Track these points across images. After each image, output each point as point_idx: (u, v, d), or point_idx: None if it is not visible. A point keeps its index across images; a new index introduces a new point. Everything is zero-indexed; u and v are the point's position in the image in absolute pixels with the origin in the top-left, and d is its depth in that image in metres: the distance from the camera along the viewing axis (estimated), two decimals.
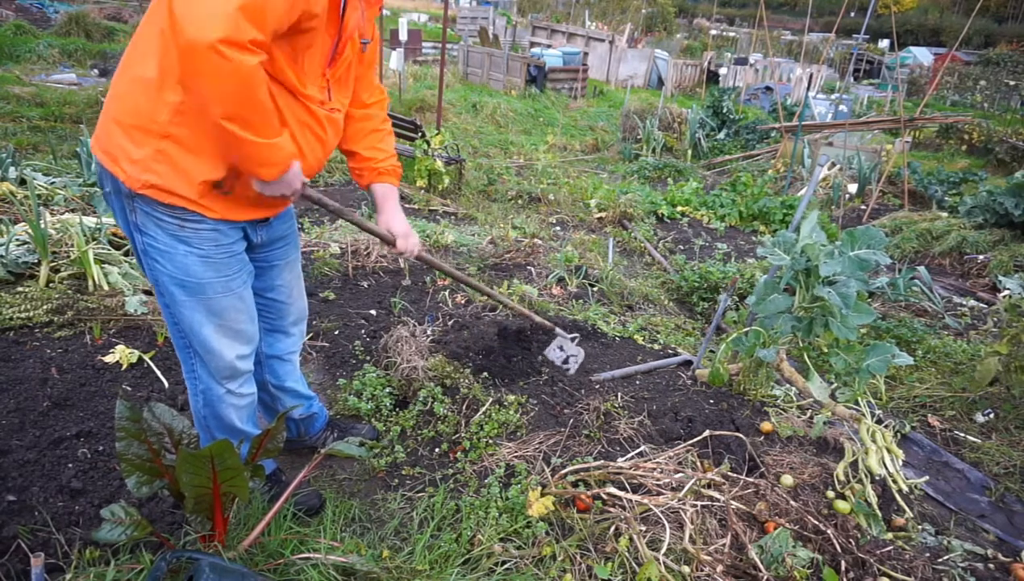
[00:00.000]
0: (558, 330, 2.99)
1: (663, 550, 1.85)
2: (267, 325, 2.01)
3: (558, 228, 6.17)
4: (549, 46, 19.15)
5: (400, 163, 2.00)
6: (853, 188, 8.32)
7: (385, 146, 1.94)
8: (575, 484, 2.18)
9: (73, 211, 3.80)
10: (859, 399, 2.45)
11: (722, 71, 19.01)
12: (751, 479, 2.23)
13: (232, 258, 1.68)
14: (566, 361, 2.95)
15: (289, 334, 2.08)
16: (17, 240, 3.24)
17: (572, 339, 2.99)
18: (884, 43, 31.40)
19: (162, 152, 1.47)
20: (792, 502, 2.11)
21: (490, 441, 2.42)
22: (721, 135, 11.78)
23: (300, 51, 1.51)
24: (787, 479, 2.28)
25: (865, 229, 2.40)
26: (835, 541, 1.96)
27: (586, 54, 17.20)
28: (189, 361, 1.80)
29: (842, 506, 2.17)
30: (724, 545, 1.93)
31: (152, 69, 1.43)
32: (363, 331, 3.30)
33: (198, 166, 1.50)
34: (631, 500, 2.05)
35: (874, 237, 2.37)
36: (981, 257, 5.67)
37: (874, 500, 2.22)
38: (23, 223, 3.37)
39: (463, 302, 3.72)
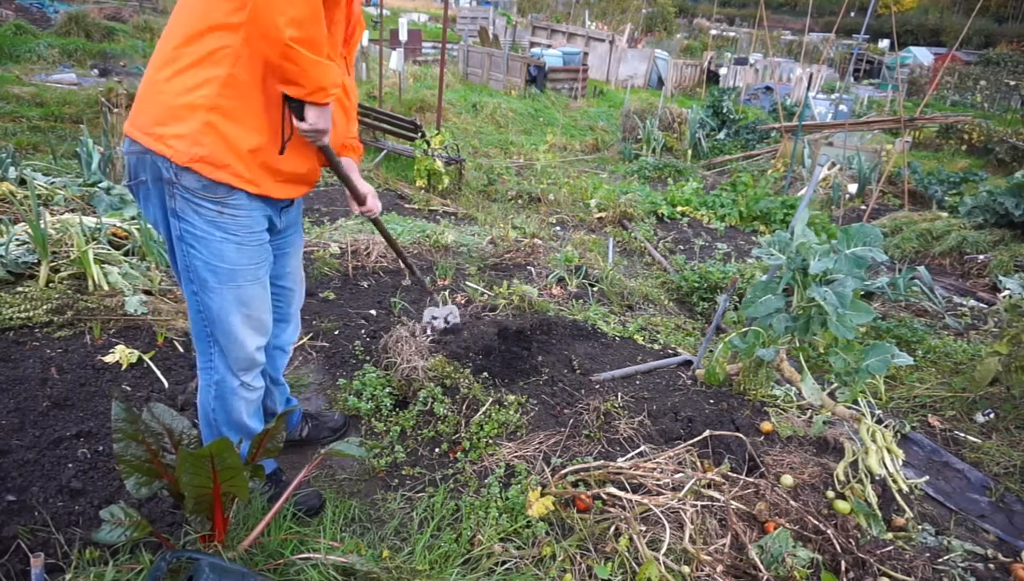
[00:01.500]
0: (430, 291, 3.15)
1: (663, 550, 1.84)
2: (276, 315, 2.04)
3: (558, 228, 6.17)
4: (549, 46, 19.15)
5: (361, 144, 2.11)
6: (853, 188, 8.32)
7: (351, 126, 2.04)
8: (575, 484, 2.17)
9: (73, 211, 3.79)
10: (859, 399, 2.44)
11: (722, 71, 19.00)
12: (751, 479, 2.23)
13: (261, 246, 1.75)
14: (447, 321, 3.02)
15: (290, 322, 2.15)
16: (17, 240, 3.24)
17: (432, 300, 3.09)
18: (884, 43, 31.43)
19: (210, 124, 1.52)
20: (792, 502, 2.11)
21: (490, 441, 2.42)
22: (721, 135, 11.78)
23: (332, 24, 1.61)
24: (787, 479, 2.28)
25: (860, 226, 2.39)
26: (835, 541, 1.96)
27: (586, 54, 17.20)
28: (207, 351, 1.82)
29: (842, 506, 2.17)
30: (724, 545, 1.93)
31: (198, 48, 1.49)
32: (363, 331, 3.30)
33: (244, 136, 1.56)
34: (631, 500, 2.05)
35: (870, 234, 2.36)
36: (981, 257, 5.68)
37: (874, 500, 2.22)
38: (23, 223, 3.37)
39: (463, 302, 3.72)
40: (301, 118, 1.59)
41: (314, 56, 1.46)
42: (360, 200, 2.07)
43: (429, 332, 2.99)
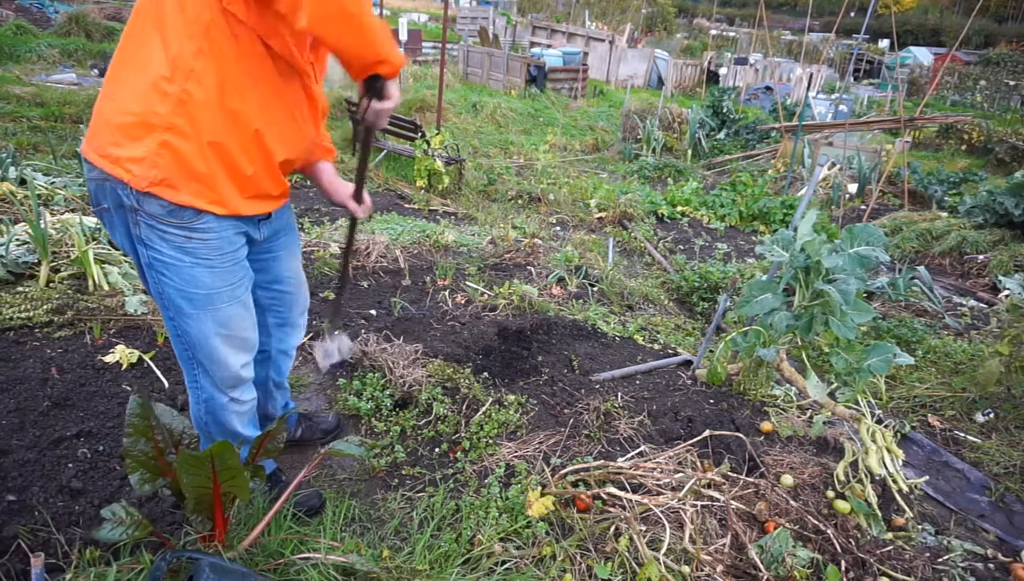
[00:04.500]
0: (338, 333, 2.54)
1: (663, 550, 1.85)
2: (278, 319, 2.01)
3: (558, 228, 6.17)
4: (549, 46, 19.15)
5: (333, 146, 2.05)
6: (853, 188, 8.32)
7: (322, 129, 1.97)
8: (575, 484, 2.18)
9: (73, 211, 3.80)
10: (859, 399, 2.45)
11: (722, 71, 19.02)
12: (751, 479, 2.23)
13: (236, 265, 1.68)
14: (339, 352, 2.48)
15: (297, 326, 2.10)
16: (17, 240, 3.24)
17: (328, 335, 2.45)
18: (884, 43, 31.50)
19: (165, 144, 1.45)
20: (792, 502, 2.11)
21: (490, 441, 2.42)
22: (721, 135, 11.78)
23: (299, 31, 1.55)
24: (787, 479, 2.28)
25: (864, 226, 2.40)
26: (835, 541, 1.96)
27: (586, 54, 17.20)
28: (192, 371, 1.79)
29: (842, 506, 2.17)
30: (724, 545, 1.93)
31: (150, 63, 1.42)
32: (363, 331, 3.30)
33: (202, 157, 1.48)
34: (631, 500, 2.05)
35: (873, 234, 2.37)
36: (981, 257, 5.68)
37: (874, 500, 2.22)
38: (23, 223, 3.37)
39: (463, 302, 3.72)
40: (384, 97, 1.58)
41: (382, 30, 1.45)
42: (361, 198, 2.00)
43: (326, 370, 2.76)
